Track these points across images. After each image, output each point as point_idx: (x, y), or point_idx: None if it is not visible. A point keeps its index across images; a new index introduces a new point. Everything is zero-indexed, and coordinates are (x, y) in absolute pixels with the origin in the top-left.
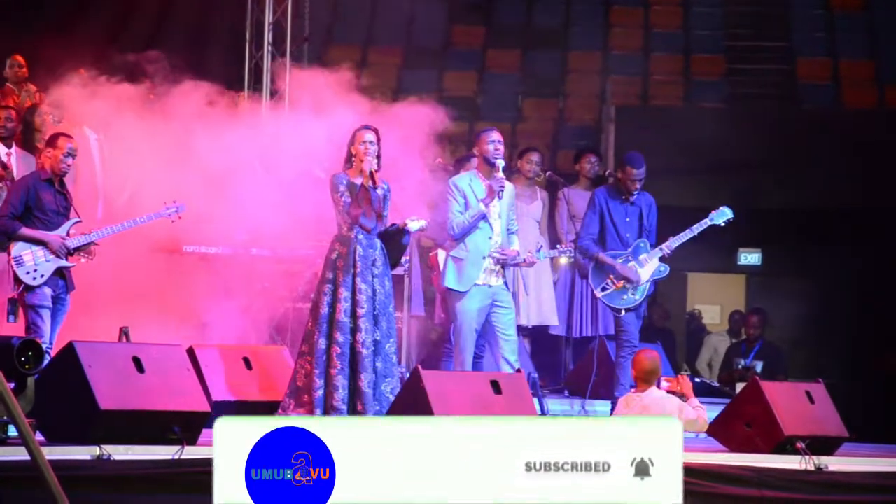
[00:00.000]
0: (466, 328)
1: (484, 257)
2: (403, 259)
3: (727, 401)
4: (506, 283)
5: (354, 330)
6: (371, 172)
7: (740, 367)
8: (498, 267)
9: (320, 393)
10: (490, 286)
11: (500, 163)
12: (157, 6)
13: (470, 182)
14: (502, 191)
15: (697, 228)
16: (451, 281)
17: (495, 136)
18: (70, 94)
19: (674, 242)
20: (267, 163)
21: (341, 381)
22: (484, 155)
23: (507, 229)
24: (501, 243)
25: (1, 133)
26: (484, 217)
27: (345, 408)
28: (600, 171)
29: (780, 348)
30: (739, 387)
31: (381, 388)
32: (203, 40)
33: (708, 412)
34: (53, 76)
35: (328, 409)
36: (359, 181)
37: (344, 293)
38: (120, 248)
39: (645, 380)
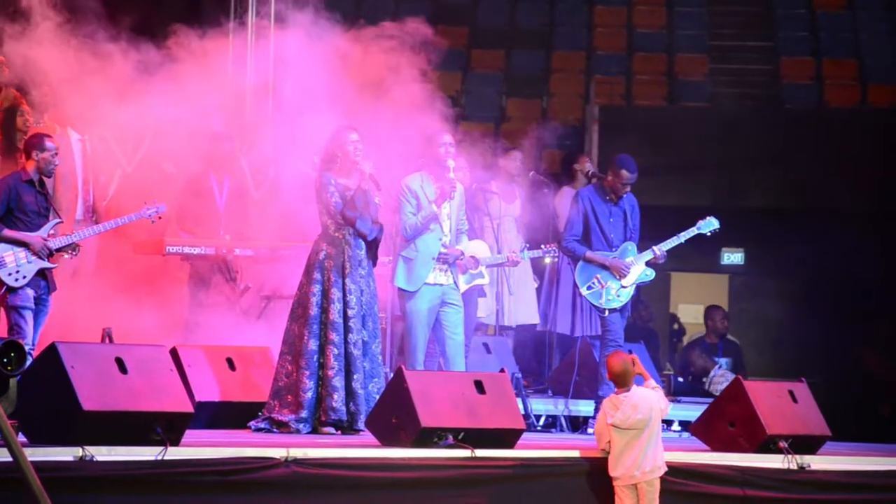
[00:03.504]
0: (417, 327)
1: (433, 258)
2: (387, 259)
3: (709, 400)
4: (456, 284)
5: (346, 330)
6: (371, 174)
7: (720, 367)
8: (446, 266)
9: (310, 394)
10: (441, 285)
11: (451, 164)
12: None
13: (422, 183)
14: (453, 192)
15: (684, 236)
16: (401, 281)
17: (447, 137)
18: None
19: (662, 247)
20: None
21: (339, 382)
22: (435, 157)
23: (458, 229)
24: (450, 243)
25: None
26: (435, 218)
27: (344, 409)
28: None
29: (739, 345)
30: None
31: (369, 388)
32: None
33: (690, 412)
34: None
35: (327, 411)
36: (350, 182)
37: (336, 294)
38: (102, 248)
39: (621, 382)
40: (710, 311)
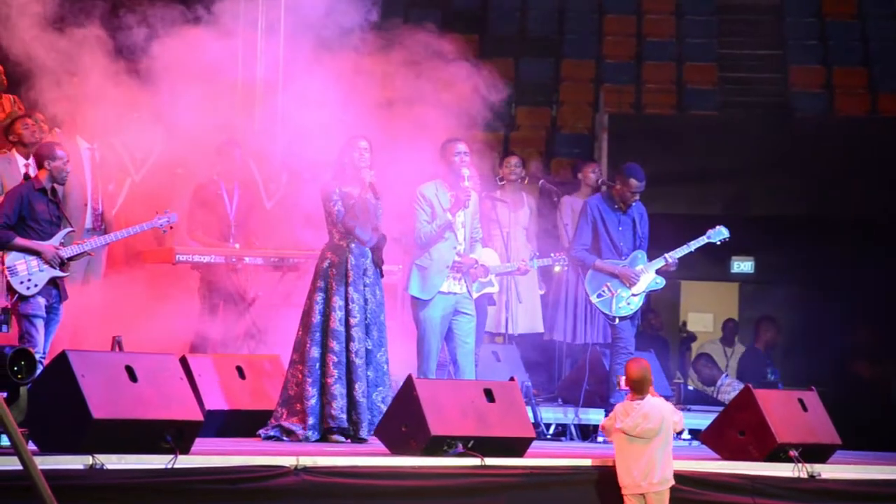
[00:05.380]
0: (430, 336)
1: (447, 266)
2: (396, 267)
3: (719, 409)
4: (469, 293)
5: (348, 339)
6: (371, 183)
7: (770, 378)
8: (460, 275)
9: (313, 402)
10: (454, 294)
11: (466, 172)
12: None
13: (436, 191)
14: (468, 200)
15: (694, 245)
16: (414, 289)
17: (461, 146)
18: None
19: (674, 255)
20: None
21: (339, 390)
22: (450, 166)
23: (471, 237)
24: (464, 251)
25: (29, 140)
26: (450, 227)
27: (344, 416)
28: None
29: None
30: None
31: (373, 397)
32: None
33: (700, 420)
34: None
35: (326, 419)
36: (353, 190)
37: (338, 302)
38: (111, 257)
39: (637, 389)
40: (764, 322)
